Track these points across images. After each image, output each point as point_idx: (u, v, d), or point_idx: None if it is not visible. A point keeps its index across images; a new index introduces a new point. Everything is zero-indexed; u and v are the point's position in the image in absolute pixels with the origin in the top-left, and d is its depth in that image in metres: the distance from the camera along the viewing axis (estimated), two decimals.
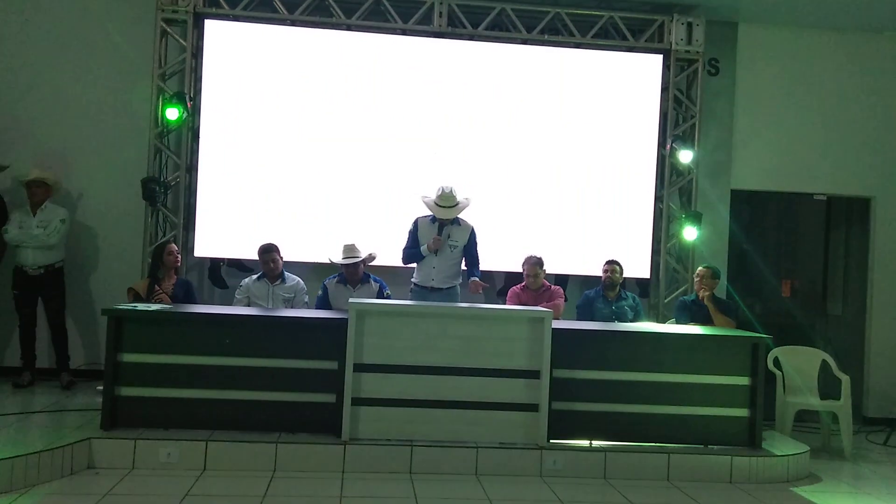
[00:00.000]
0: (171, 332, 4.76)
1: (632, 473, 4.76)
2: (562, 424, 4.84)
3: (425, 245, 5.68)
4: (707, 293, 5.92)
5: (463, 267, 5.87)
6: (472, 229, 5.84)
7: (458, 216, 5.78)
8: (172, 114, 6.27)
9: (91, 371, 6.30)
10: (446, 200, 5.63)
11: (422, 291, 5.74)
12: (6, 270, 6.16)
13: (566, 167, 6.81)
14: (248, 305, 5.81)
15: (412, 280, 5.86)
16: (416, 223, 5.83)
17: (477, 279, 5.71)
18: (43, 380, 6.16)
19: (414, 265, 5.86)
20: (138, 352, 4.67)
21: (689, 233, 6.74)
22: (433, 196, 5.70)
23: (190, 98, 6.41)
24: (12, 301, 6.10)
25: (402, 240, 5.89)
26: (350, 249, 5.74)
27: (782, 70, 7.22)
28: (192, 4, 6.39)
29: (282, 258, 5.93)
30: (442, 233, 5.66)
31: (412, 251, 5.76)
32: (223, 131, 6.52)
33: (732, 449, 4.95)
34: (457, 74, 6.71)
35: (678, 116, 7.03)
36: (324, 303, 5.81)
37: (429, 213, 5.78)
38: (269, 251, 5.86)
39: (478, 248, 5.87)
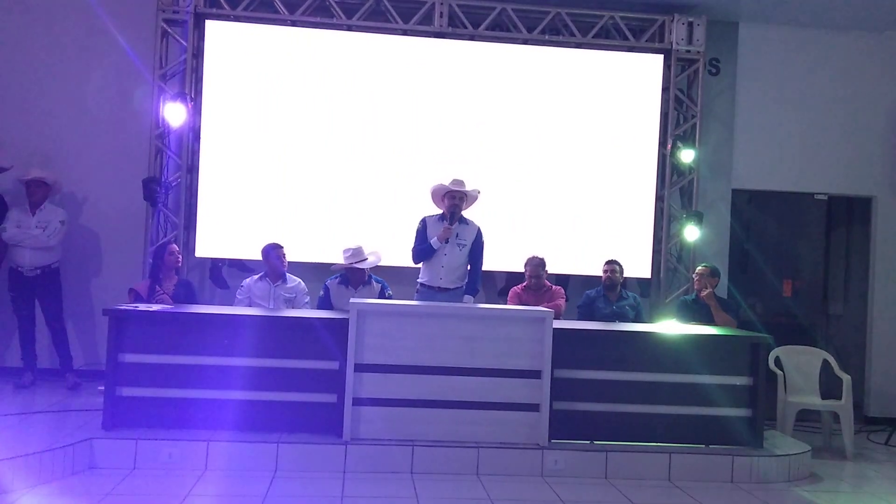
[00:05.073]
0: (172, 333, 4.75)
1: (633, 473, 4.75)
2: (563, 424, 4.84)
3: (434, 238, 5.66)
4: (708, 291, 5.91)
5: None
6: (479, 230, 5.82)
7: (465, 216, 5.77)
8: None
9: (92, 371, 6.30)
10: (458, 184, 5.67)
11: (429, 291, 5.71)
12: (4, 269, 6.16)
13: (567, 167, 6.81)
14: (250, 306, 5.81)
15: (419, 280, 5.83)
16: (423, 222, 5.80)
17: (471, 300, 5.71)
18: (44, 380, 6.17)
19: (420, 266, 5.83)
20: (139, 352, 4.67)
21: (690, 232, 6.74)
22: (444, 183, 5.71)
23: (191, 98, 6.42)
24: (9, 302, 6.10)
25: (405, 239, 5.88)
26: (357, 253, 5.72)
27: (783, 70, 7.21)
28: (193, 5, 6.40)
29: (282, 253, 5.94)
30: (451, 225, 5.63)
31: (422, 248, 5.71)
32: (224, 131, 6.52)
33: (734, 449, 4.95)
34: (457, 74, 6.71)
35: (679, 116, 7.03)
36: (325, 303, 5.80)
37: (435, 212, 5.79)
38: (278, 247, 5.87)
39: (482, 256, 5.83)
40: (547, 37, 6.81)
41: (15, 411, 5.14)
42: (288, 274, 5.95)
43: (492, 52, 6.77)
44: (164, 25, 6.45)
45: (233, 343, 4.74)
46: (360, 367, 4.70)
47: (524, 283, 6.09)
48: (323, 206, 6.58)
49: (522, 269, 6.13)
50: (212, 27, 6.53)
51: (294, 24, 6.59)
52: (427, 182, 5.94)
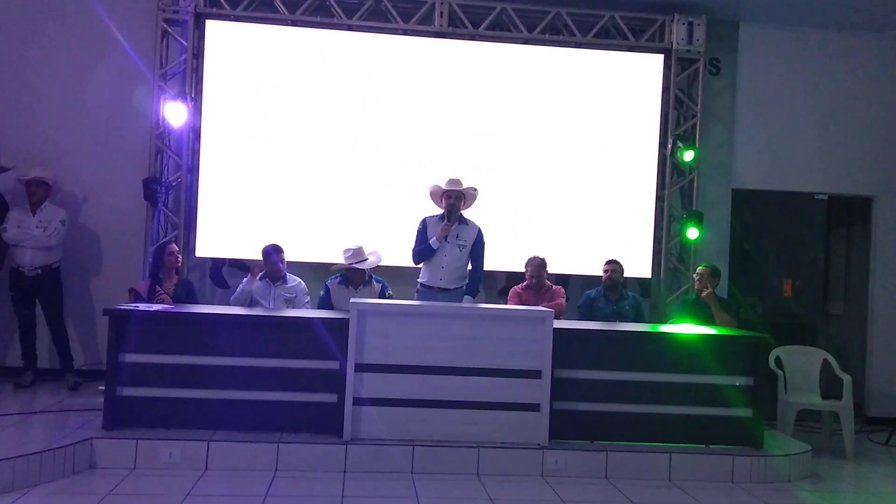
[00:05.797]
0: (173, 333, 4.75)
1: (633, 473, 4.75)
2: (563, 424, 4.84)
3: (433, 238, 5.66)
4: (709, 291, 5.92)
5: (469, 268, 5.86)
6: (480, 230, 5.82)
7: (466, 216, 5.78)
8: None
9: (93, 371, 6.31)
10: (454, 184, 5.68)
11: (429, 292, 5.71)
12: (5, 269, 6.16)
13: (567, 167, 6.81)
14: (250, 304, 5.81)
15: (419, 280, 5.84)
16: (423, 222, 5.81)
17: (470, 300, 5.71)
18: (44, 380, 6.17)
19: (420, 266, 5.84)
20: (140, 352, 4.67)
21: (691, 232, 6.74)
22: (441, 183, 5.73)
23: (191, 98, 6.42)
24: (10, 302, 6.10)
25: (405, 239, 5.88)
26: (357, 253, 5.72)
27: (783, 69, 7.21)
28: (193, 5, 6.40)
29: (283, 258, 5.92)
30: (450, 224, 5.64)
31: (422, 248, 5.72)
32: (224, 131, 6.52)
33: (734, 449, 4.95)
34: (458, 74, 6.71)
35: (679, 116, 7.03)
36: (326, 303, 5.79)
37: (435, 212, 5.79)
38: (279, 249, 5.84)
39: (483, 256, 5.82)
40: (547, 36, 6.81)
41: (15, 411, 5.15)
42: (288, 274, 5.94)
43: (492, 51, 6.77)
44: (165, 25, 6.45)
45: (233, 343, 4.74)
46: (360, 367, 4.70)
47: (524, 283, 6.09)
48: (323, 206, 6.58)
49: (523, 270, 6.13)
50: (212, 27, 6.53)
51: (294, 23, 6.59)
52: (427, 181, 5.95)
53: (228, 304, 6.18)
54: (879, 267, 7.29)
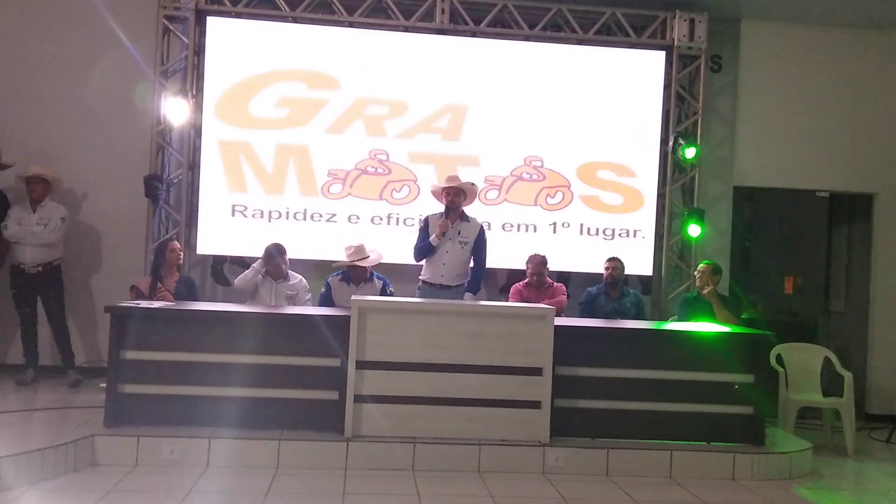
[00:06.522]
0: (174, 330, 4.75)
1: (634, 470, 4.75)
2: (564, 421, 4.84)
3: (433, 235, 5.67)
4: (710, 288, 5.91)
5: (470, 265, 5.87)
6: (481, 227, 5.85)
7: (468, 213, 5.78)
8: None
9: (94, 368, 6.32)
10: (453, 180, 5.73)
11: (431, 289, 5.73)
12: (5, 267, 6.16)
13: (568, 164, 6.80)
14: (253, 293, 5.80)
15: (420, 277, 5.85)
16: (426, 220, 5.85)
17: (471, 297, 5.71)
18: (46, 377, 6.18)
19: (422, 263, 5.85)
20: (141, 349, 4.67)
21: (692, 230, 6.74)
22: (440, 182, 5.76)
23: (192, 95, 6.41)
24: (11, 299, 6.10)
25: (406, 237, 5.90)
26: (359, 251, 5.73)
27: (785, 66, 7.20)
28: (195, 1, 6.39)
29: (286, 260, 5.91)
30: (450, 224, 5.66)
31: (422, 245, 5.75)
32: (225, 128, 6.51)
33: (735, 446, 4.94)
34: (459, 71, 6.70)
35: (680, 113, 7.02)
36: (327, 300, 5.81)
37: (437, 209, 5.80)
38: (281, 253, 5.82)
39: (485, 253, 5.85)
40: (548, 33, 6.80)
41: (17, 408, 5.15)
42: (290, 271, 5.95)
43: (493, 48, 6.76)
44: (166, 22, 6.44)
45: (234, 340, 4.74)
46: (361, 364, 4.70)
47: (525, 280, 6.09)
48: (324, 203, 6.57)
49: (524, 267, 6.13)
50: (213, 24, 6.52)
51: (295, 20, 6.59)
52: (428, 178, 5.96)
53: (230, 301, 6.20)
54: (881, 264, 7.28)
